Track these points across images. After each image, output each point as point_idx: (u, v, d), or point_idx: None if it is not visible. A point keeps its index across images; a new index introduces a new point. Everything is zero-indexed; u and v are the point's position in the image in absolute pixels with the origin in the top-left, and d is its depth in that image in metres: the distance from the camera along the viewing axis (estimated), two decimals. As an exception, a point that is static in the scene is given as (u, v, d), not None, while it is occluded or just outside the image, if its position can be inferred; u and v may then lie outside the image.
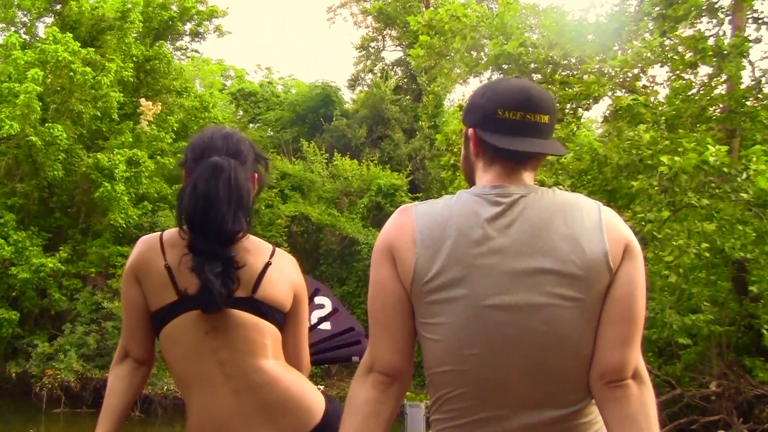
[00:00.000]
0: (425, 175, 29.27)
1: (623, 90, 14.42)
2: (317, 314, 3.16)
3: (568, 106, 14.75)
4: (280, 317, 2.50)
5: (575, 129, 15.67)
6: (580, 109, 15.26)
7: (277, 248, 2.56)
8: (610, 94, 14.42)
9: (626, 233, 1.96)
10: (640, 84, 14.19)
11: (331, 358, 3.23)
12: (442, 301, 1.94)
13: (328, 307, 3.20)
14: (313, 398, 2.51)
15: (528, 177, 2.06)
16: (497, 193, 1.99)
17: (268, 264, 2.47)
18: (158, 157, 23.41)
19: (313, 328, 3.04)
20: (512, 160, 2.03)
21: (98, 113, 22.72)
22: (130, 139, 23.10)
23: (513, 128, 2.01)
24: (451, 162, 15.59)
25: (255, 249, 2.48)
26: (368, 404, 2.03)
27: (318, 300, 3.18)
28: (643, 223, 11.80)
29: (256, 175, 2.55)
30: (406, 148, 30.11)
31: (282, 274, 2.50)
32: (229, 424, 2.43)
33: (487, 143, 2.04)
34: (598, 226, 1.93)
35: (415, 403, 13.47)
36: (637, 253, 1.95)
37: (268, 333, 2.46)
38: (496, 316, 1.90)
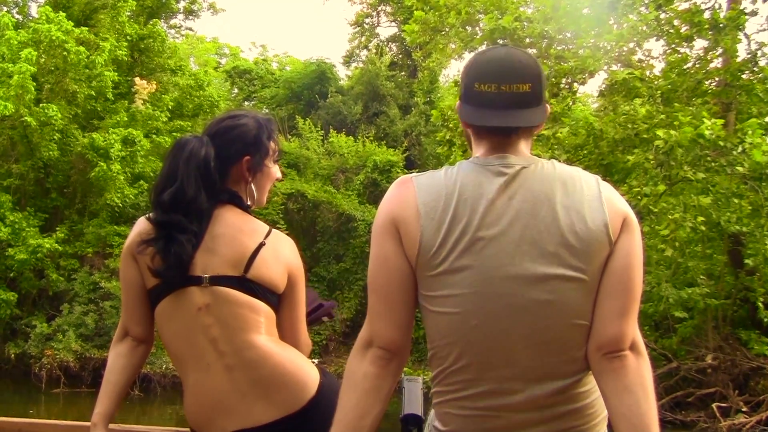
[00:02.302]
0: (421, 151, 29.16)
1: (619, 64, 14.41)
2: None
3: (564, 80, 14.74)
4: (273, 298, 2.52)
5: (571, 104, 15.59)
6: (575, 84, 15.26)
7: (274, 229, 2.58)
8: (605, 68, 14.41)
9: (624, 207, 1.98)
10: (635, 58, 14.21)
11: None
12: (448, 273, 1.94)
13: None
14: (308, 372, 2.51)
15: (524, 146, 2.06)
16: (501, 163, 1.99)
17: (261, 244, 2.49)
18: (154, 136, 23.16)
19: None
20: (495, 134, 2.04)
21: (93, 93, 22.48)
22: (125, 119, 22.93)
23: (488, 101, 2.00)
24: (447, 137, 15.54)
25: (250, 230, 2.53)
26: (367, 380, 2.02)
27: None
28: (639, 197, 11.88)
29: (247, 158, 2.58)
30: (401, 124, 29.98)
31: (276, 255, 2.52)
32: (224, 400, 2.45)
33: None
34: (598, 198, 1.94)
35: (412, 377, 13.53)
36: (634, 227, 1.96)
37: (262, 311, 2.48)
38: (502, 287, 1.91)
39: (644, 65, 14.00)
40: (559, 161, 2.05)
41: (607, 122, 13.15)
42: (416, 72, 32.22)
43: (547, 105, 2.09)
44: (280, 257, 2.53)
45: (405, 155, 27.40)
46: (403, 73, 33.13)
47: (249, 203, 2.61)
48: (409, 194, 2.01)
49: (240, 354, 2.45)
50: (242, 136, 2.59)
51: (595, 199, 1.94)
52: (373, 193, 24.80)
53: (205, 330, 2.45)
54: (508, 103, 1.99)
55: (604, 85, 14.75)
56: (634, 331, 1.94)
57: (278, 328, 2.55)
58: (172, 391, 19.22)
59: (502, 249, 1.91)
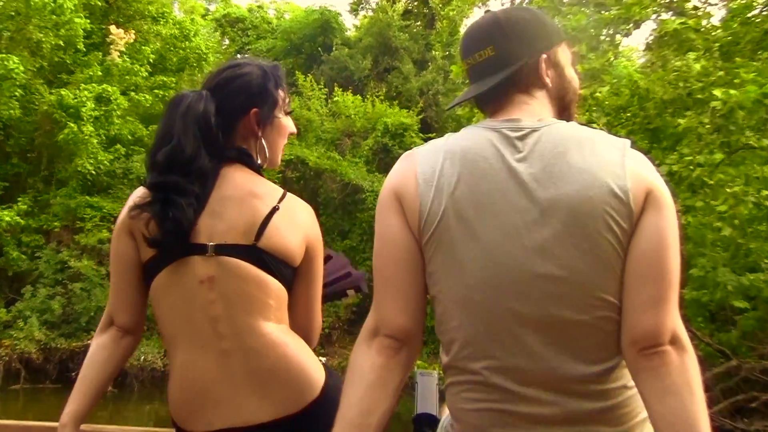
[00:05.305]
0: (439, 112, 29.24)
1: (670, 12, 14.11)
2: None
3: (605, 31, 14.49)
4: (288, 272, 2.52)
5: (612, 59, 15.33)
6: (618, 36, 14.94)
7: (289, 193, 2.60)
8: (654, 17, 14.10)
9: (652, 178, 1.97)
10: (690, 5, 13.84)
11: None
12: (448, 245, 1.98)
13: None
14: (314, 371, 2.51)
15: (538, 105, 2.15)
16: (508, 126, 2.04)
17: (275, 209, 2.50)
18: (132, 94, 23.21)
19: None
20: (490, 104, 2.19)
21: (61, 43, 22.46)
22: (99, 73, 22.88)
23: (471, 78, 2.21)
24: (470, 97, 15.34)
25: (262, 192, 2.54)
26: (373, 372, 2.04)
27: None
28: (691, 168, 11.61)
29: (254, 110, 2.60)
30: (416, 81, 30.08)
31: (292, 222, 2.53)
32: (213, 388, 2.46)
33: None
34: (620, 164, 1.94)
35: (427, 371, 13.52)
36: (664, 202, 1.95)
37: (272, 291, 2.48)
38: (507, 260, 1.94)
39: (700, 13, 13.66)
40: (598, 125, 1.93)
41: (654, 80, 12.91)
42: (434, 22, 32.38)
43: (545, 54, 2.18)
44: (297, 224, 2.54)
45: (420, 117, 27.43)
46: (418, 23, 33.18)
47: (260, 162, 2.63)
48: (410, 167, 2.07)
49: (241, 338, 2.45)
50: (246, 86, 2.61)
51: (614, 165, 1.93)
52: (383, 161, 24.94)
53: (205, 306, 2.45)
54: (476, 74, 2.17)
55: (651, 37, 14.45)
56: (674, 322, 1.92)
57: (290, 307, 2.56)
58: (150, 386, 19.29)
59: (507, 219, 1.94)
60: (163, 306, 2.51)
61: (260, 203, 2.49)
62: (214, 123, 2.51)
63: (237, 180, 2.53)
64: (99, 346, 2.59)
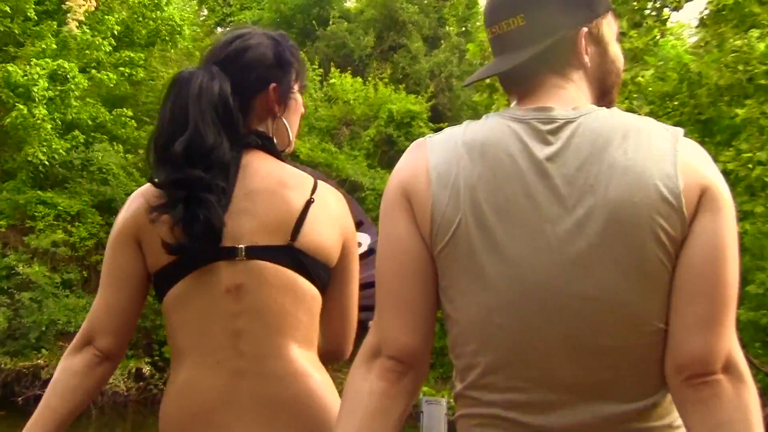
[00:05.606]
0: (452, 98, 29.50)
1: (729, -19, 13.98)
2: None
3: (650, 4, 14.37)
4: (325, 275, 2.54)
5: (658, 37, 15.27)
6: (666, 10, 14.83)
7: (320, 181, 2.60)
8: (710, -14, 13.98)
9: (709, 173, 1.93)
10: (753, -27, 13.74)
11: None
12: (466, 257, 1.96)
13: (364, 247, 3.19)
14: (334, 412, 2.39)
15: (573, 89, 2.10)
16: (538, 117, 2.00)
17: (310, 201, 2.50)
18: (93, 71, 23.21)
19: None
20: (516, 86, 2.15)
21: (7, 9, 22.63)
22: (54, 46, 22.88)
23: (494, 49, 2.17)
24: (487, 81, 15.19)
25: (294, 183, 2.53)
26: (373, 398, 2.02)
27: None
28: (750, 166, 11.84)
29: (273, 85, 2.59)
30: (426, 62, 30.29)
31: (329, 216, 2.55)
32: (216, 412, 2.44)
33: None
34: (671, 158, 1.89)
35: (434, 399, 13.51)
36: (723, 203, 1.90)
37: (306, 302, 2.49)
38: (535, 278, 1.91)
39: (767, -17, 13.61)
40: (640, 115, 1.94)
41: (708, 62, 12.97)
42: None
43: (585, 27, 2.11)
44: (333, 217, 2.56)
45: (431, 104, 27.65)
46: (430, -7, 33.09)
47: (281, 147, 2.64)
48: (421, 158, 2.05)
49: (262, 360, 2.44)
50: (261, 58, 2.60)
51: (664, 159, 1.89)
52: (387, 154, 25.23)
53: (228, 319, 2.44)
54: (502, 46, 2.12)
55: (706, 11, 14.34)
56: (728, 347, 1.87)
57: (324, 312, 2.57)
58: (112, 414, 19.59)
59: (534, 228, 1.91)
60: (178, 318, 2.50)
61: (293, 195, 2.49)
62: (234, 105, 2.50)
63: (262, 170, 2.52)
64: (69, 371, 2.51)
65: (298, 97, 2.71)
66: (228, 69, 2.54)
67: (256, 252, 2.43)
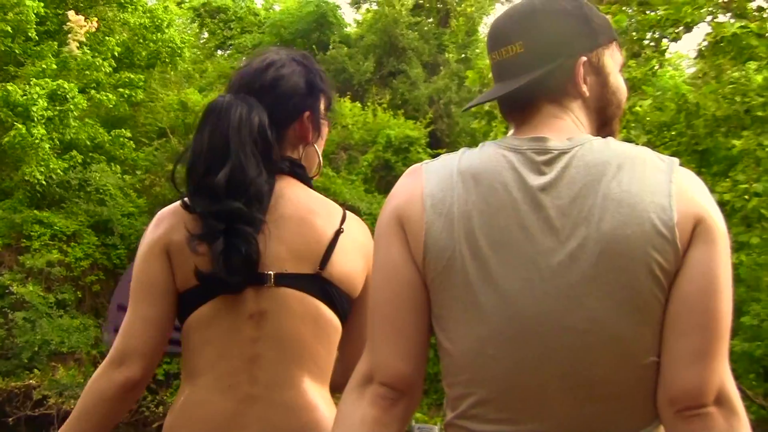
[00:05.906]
0: (451, 124, 29.43)
1: (728, 14, 14.03)
2: None
3: (649, 35, 14.44)
4: (348, 306, 2.57)
5: (657, 67, 15.31)
6: (665, 40, 14.88)
7: (348, 212, 2.64)
8: (708, 19, 14.02)
9: (704, 203, 1.93)
10: (752, 5, 13.77)
11: None
12: (460, 287, 1.96)
13: None
14: None
15: (570, 120, 2.10)
16: (533, 147, 2.01)
17: (339, 231, 2.54)
18: (92, 92, 23.15)
19: None
20: (513, 113, 2.17)
21: (8, 29, 22.57)
22: (54, 66, 22.86)
23: (495, 75, 2.18)
24: (486, 108, 15.24)
25: (324, 212, 2.57)
26: (365, 425, 2.02)
27: None
28: (746, 197, 11.76)
29: (307, 113, 2.64)
30: (426, 88, 30.22)
31: (357, 247, 2.57)
32: None
33: None
34: (665, 189, 1.90)
35: (426, 425, 13.44)
36: (717, 234, 1.91)
37: (327, 333, 2.52)
38: (527, 310, 1.91)
39: (766, 15, 13.63)
40: (637, 144, 1.96)
41: (706, 93, 13.02)
42: (448, 19, 32.61)
43: (584, 56, 2.11)
44: (360, 250, 2.58)
45: (429, 130, 27.58)
46: (430, 20, 33.35)
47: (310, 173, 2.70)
48: (416, 185, 2.05)
49: (275, 389, 2.45)
50: (296, 88, 2.63)
51: (659, 191, 1.89)
52: (384, 179, 25.07)
53: (246, 344, 2.45)
54: (501, 72, 2.15)
55: (705, 43, 14.38)
56: (721, 379, 1.89)
57: (343, 342, 2.59)
58: None
59: (526, 259, 1.92)
60: (198, 339, 2.50)
61: (323, 224, 2.52)
62: (272, 137, 2.52)
63: (293, 197, 2.54)
64: (101, 396, 2.45)
65: (326, 124, 2.74)
66: (264, 99, 2.54)
67: (285, 280, 2.44)
